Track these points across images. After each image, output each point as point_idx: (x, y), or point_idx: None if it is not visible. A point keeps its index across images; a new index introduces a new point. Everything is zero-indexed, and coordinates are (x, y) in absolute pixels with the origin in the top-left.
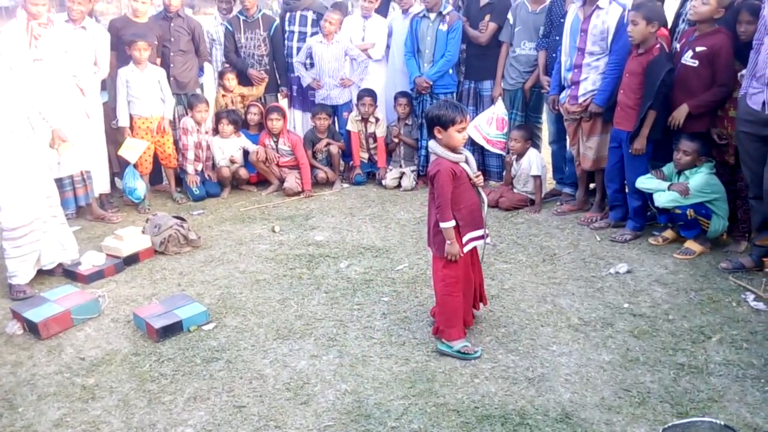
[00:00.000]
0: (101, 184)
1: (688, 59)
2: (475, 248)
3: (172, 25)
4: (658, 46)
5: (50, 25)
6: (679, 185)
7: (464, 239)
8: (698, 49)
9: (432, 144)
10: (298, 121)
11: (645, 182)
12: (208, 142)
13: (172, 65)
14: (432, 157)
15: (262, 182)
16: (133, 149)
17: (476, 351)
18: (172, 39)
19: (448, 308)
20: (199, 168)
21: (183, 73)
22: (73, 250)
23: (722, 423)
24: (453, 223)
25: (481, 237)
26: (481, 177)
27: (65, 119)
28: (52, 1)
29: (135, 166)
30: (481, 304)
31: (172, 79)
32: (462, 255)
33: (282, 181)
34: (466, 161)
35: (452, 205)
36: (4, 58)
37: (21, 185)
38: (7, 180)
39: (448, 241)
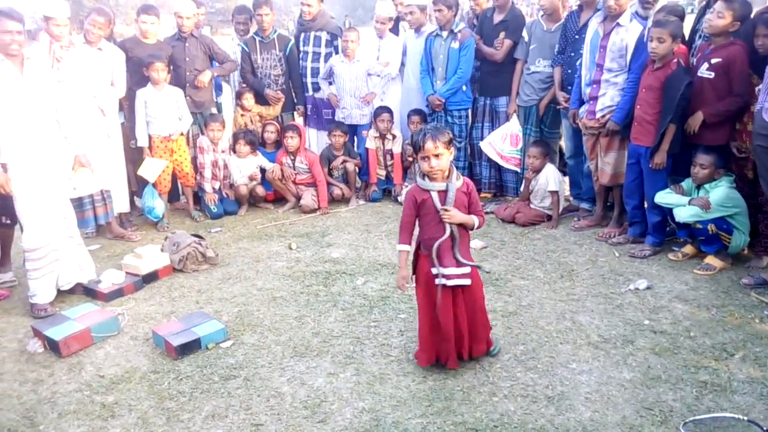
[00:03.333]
0: (120, 204)
1: (704, 71)
2: (461, 289)
3: (186, 45)
4: (675, 60)
5: (72, 47)
6: (699, 199)
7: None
8: (714, 60)
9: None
10: (313, 140)
11: (664, 197)
12: (225, 160)
13: (188, 85)
14: None
15: (278, 200)
16: (152, 168)
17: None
18: (188, 59)
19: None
20: (217, 186)
21: (199, 93)
22: (90, 270)
23: (746, 418)
24: (404, 247)
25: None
26: (450, 213)
27: (87, 140)
28: (73, 23)
29: (154, 185)
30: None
31: (188, 98)
32: (417, 284)
33: (298, 198)
34: (446, 191)
35: (420, 233)
36: (30, 80)
37: (41, 207)
38: (28, 202)
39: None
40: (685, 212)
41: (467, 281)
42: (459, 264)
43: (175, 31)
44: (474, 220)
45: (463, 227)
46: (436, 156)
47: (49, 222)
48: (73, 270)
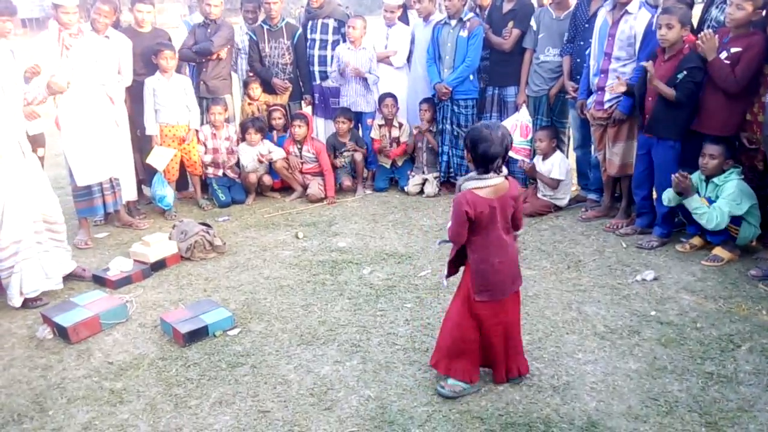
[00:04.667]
0: (128, 192)
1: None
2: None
3: (208, 31)
4: (686, 47)
5: (80, 35)
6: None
7: None
8: (733, 49)
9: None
10: (321, 129)
11: (665, 196)
12: (228, 148)
13: (204, 70)
14: (507, 181)
15: (285, 188)
16: (160, 157)
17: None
18: None
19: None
20: (220, 173)
21: (215, 79)
22: (57, 279)
23: None
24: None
25: None
26: None
27: (95, 127)
28: (80, 12)
29: (162, 173)
30: None
31: (203, 83)
32: None
33: (305, 187)
34: None
35: None
36: None
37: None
38: None
39: None
40: (720, 220)
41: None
42: None
43: (199, 22)
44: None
45: None
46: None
47: (12, 223)
48: (39, 277)
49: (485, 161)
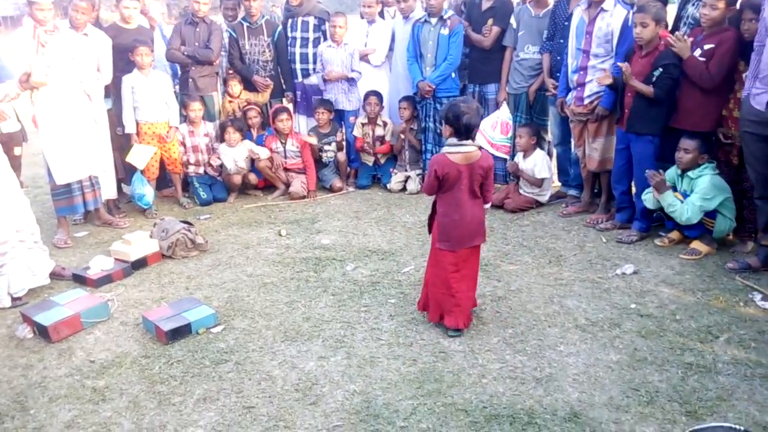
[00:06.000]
0: (108, 190)
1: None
2: None
3: (197, 30)
4: (662, 43)
5: (56, 31)
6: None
7: None
8: (706, 46)
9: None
10: (303, 126)
11: (646, 198)
12: (208, 145)
13: (193, 68)
14: (479, 152)
15: (268, 187)
16: (140, 155)
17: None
18: (197, 44)
19: None
20: (201, 171)
21: (202, 77)
22: (43, 276)
23: (742, 429)
24: None
25: None
26: None
27: (74, 124)
28: (57, 8)
29: (142, 171)
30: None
31: (191, 80)
32: None
33: (288, 185)
34: None
35: None
36: None
37: None
38: None
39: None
40: (690, 215)
41: None
42: None
43: (187, 15)
44: None
45: None
46: None
47: None
48: (25, 276)
49: (468, 130)
